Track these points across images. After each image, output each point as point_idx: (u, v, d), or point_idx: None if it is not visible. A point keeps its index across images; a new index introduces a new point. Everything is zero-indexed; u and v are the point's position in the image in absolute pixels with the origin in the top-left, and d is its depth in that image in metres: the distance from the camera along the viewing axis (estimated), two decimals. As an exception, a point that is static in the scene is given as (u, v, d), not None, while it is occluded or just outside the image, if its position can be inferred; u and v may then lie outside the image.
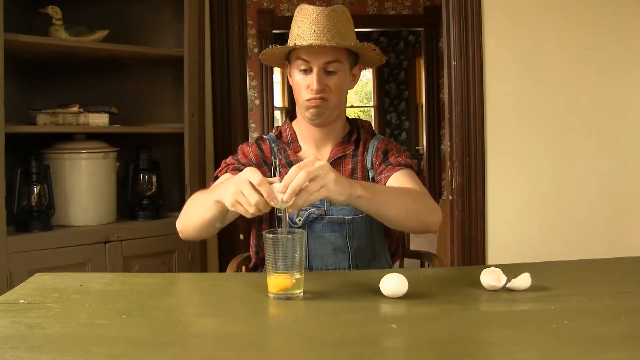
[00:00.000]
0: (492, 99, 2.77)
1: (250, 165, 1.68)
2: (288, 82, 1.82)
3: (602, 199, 2.80)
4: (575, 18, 2.77)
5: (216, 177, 1.72)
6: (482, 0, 2.73)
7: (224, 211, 1.41)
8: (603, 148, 2.80)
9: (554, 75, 2.78)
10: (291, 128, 1.77)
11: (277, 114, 7.62)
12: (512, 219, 2.81)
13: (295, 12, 1.67)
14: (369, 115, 10.80)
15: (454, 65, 2.77)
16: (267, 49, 1.71)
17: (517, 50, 2.77)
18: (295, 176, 1.24)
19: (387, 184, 1.64)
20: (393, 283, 1.24)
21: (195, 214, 1.50)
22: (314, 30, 1.58)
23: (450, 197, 2.84)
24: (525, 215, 2.80)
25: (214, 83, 2.74)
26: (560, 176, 2.80)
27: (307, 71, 1.63)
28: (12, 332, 1.05)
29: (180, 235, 1.60)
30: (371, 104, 10.07)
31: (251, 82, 6.48)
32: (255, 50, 6.54)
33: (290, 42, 1.64)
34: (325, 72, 1.62)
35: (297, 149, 1.74)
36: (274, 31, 6.20)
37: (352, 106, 12.51)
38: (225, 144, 2.72)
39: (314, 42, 1.57)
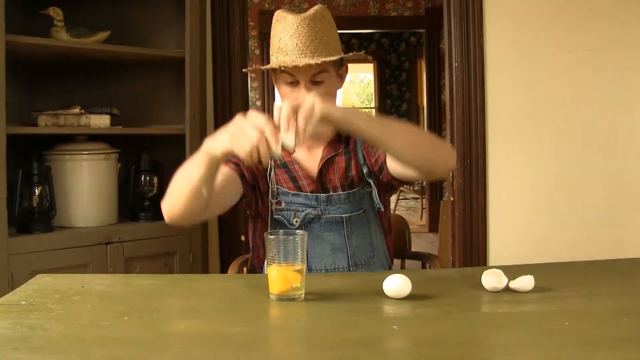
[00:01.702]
0: (493, 100, 2.77)
1: (242, 163, 1.66)
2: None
3: (604, 200, 2.80)
4: (576, 20, 2.77)
5: None
6: (483, 1, 2.73)
7: (214, 167, 1.35)
8: (605, 150, 2.80)
9: (556, 76, 2.78)
10: None
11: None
12: (513, 220, 2.81)
13: (274, 21, 1.62)
14: (370, 117, 10.80)
15: (455, 66, 2.76)
16: (249, 68, 1.70)
17: (518, 51, 2.77)
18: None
19: (387, 160, 1.61)
20: (397, 284, 1.24)
21: (181, 183, 1.42)
22: (297, 45, 1.55)
23: (452, 199, 2.84)
24: (526, 217, 2.80)
25: (215, 84, 2.74)
26: (562, 177, 2.80)
27: (293, 84, 1.60)
28: (13, 334, 1.05)
29: (165, 218, 1.48)
30: (372, 105, 10.07)
31: (252, 84, 6.49)
32: (257, 51, 6.54)
33: (273, 55, 1.62)
34: (313, 82, 1.60)
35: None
36: (275, 32, 6.19)
37: (353, 107, 12.53)
38: (227, 145, 2.72)
39: (299, 59, 1.54)
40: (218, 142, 1.28)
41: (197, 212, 1.46)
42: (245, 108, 2.81)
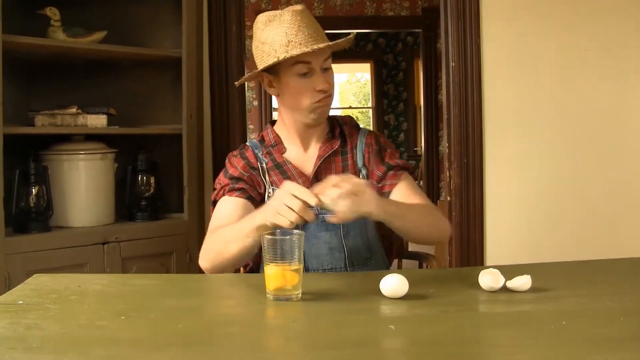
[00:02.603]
0: (490, 100, 2.77)
1: (242, 176, 1.67)
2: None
3: (600, 201, 2.80)
4: (572, 20, 2.77)
5: (214, 202, 1.69)
6: (480, 1, 2.74)
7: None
8: (601, 150, 2.80)
9: (552, 76, 2.79)
10: (273, 132, 1.76)
11: (275, 115, 7.61)
12: (510, 220, 2.81)
13: (265, 22, 1.61)
14: (367, 117, 10.80)
15: (452, 66, 2.77)
16: (250, 73, 1.71)
17: (515, 51, 2.78)
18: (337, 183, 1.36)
19: (392, 195, 1.67)
20: (393, 283, 1.24)
21: (231, 246, 1.48)
22: (309, 34, 1.57)
23: (449, 199, 2.85)
24: (523, 217, 2.80)
25: (212, 84, 2.74)
26: (558, 177, 2.80)
27: (306, 74, 1.61)
28: (10, 333, 1.05)
29: (207, 272, 1.58)
30: (369, 105, 10.07)
31: (249, 84, 6.48)
32: (254, 51, 6.52)
33: (277, 51, 1.58)
34: (323, 70, 1.63)
35: (283, 150, 1.73)
36: (272, 32, 6.18)
37: (350, 107, 12.52)
38: (224, 145, 2.72)
39: (319, 44, 1.56)
40: (266, 216, 1.38)
41: (243, 264, 1.61)
42: (242, 108, 2.81)
